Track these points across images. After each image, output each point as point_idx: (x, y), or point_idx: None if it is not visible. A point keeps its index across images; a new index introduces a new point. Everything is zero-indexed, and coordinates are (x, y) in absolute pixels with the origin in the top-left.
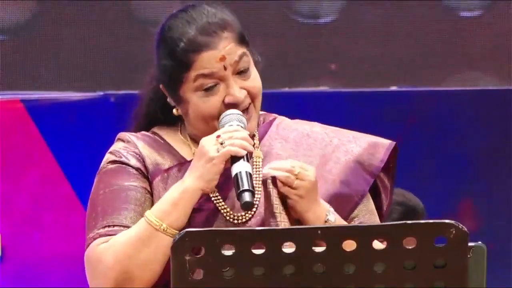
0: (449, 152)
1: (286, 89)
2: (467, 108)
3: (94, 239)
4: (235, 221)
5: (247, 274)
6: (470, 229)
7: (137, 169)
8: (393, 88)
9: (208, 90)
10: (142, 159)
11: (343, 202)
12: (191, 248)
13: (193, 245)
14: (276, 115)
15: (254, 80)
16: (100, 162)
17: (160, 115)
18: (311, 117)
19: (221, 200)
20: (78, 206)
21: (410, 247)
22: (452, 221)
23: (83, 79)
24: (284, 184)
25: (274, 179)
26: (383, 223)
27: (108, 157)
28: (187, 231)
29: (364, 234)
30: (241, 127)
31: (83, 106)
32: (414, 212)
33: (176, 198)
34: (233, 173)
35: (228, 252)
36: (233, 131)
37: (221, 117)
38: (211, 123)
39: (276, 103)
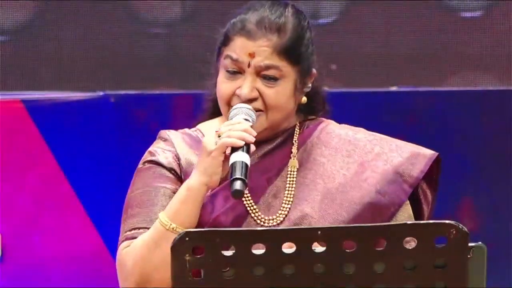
0: (449, 152)
1: None
2: (467, 108)
3: (122, 242)
4: (265, 225)
5: (247, 274)
6: (470, 229)
7: (170, 169)
8: (393, 88)
9: (230, 73)
10: (177, 158)
11: (378, 211)
12: (191, 248)
13: (193, 245)
14: (323, 118)
15: (276, 92)
16: (100, 161)
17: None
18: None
19: (252, 203)
20: (78, 206)
21: (410, 247)
22: (452, 222)
23: (83, 79)
24: None
25: None
26: (383, 223)
27: (145, 156)
28: (187, 231)
29: (364, 234)
30: (249, 120)
31: (83, 106)
32: None
33: (183, 196)
34: (230, 163)
35: (228, 252)
36: (234, 124)
37: (231, 110)
38: (224, 106)
39: None
